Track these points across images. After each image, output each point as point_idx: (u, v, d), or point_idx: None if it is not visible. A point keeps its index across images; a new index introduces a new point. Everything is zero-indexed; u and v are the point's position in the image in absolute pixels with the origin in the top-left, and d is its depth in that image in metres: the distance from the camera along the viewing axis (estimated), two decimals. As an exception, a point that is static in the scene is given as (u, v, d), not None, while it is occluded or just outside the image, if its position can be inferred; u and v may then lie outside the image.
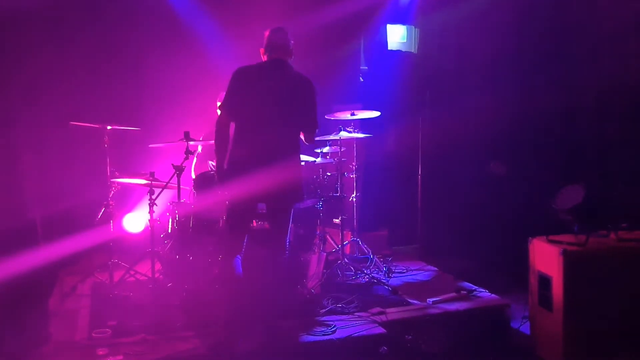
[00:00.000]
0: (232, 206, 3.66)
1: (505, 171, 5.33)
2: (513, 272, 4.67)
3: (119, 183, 4.81)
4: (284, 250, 3.73)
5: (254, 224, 4.40)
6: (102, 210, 4.87)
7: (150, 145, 5.08)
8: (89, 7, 5.62)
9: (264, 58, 3.75)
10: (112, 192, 4.82)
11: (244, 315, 3.85)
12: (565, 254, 3.65)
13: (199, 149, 5.35)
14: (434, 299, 4.33)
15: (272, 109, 3.61)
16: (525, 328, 4.18)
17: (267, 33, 3.76)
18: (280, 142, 3.63)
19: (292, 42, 3.77)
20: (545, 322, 3.86)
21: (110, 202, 4.80)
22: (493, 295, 4.46)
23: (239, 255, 3.63)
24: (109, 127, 4.77)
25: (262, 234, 4.19)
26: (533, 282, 4.00)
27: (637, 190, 4.06)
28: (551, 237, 3.91)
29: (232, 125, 3.71)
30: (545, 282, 3.84)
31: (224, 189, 3.67)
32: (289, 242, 4.44)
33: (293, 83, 3.69)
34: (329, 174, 5.27)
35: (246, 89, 3.62)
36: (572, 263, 3.65)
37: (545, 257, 3.85)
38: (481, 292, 4.52)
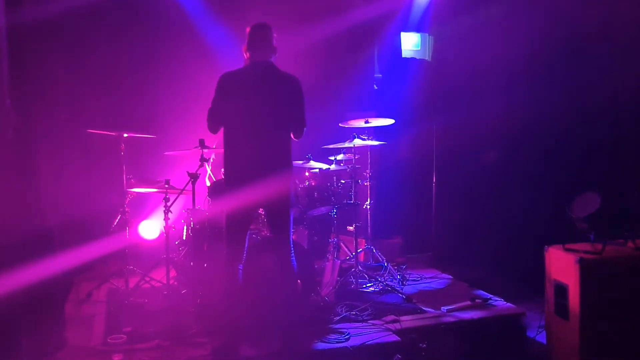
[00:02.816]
0: (230, 217, 3.64)
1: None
2: (529, 280, 4.63)
3: (135, 190, 4.85)
4: (289, 254, 3.70)
5: (265, 232, 4.41)
6: (118, 217, 4.92)
7: (166, 153, 5.12)
8: (104, 17, 5.70)
9: (246, 56, 3.71)
10: (128, 199, 4.87)
11: (256, 322, 3.87)
12: (582, 262, 3.61)
13: (213, 156, 5.38)
14: (449, 307, 4.30)
15: (261, 115, 3.59)
16: (542, 337, 4.13)
17: (248, 30, 3.71)
18: (273, 148, 3.62)
19: (275, 35, 3.72)
20: (562, 331, 3.82)
21: (126, 209, 4.84)
22: (508, 303, 4.42)
23: (240, 265, 3.62)
24: (125, 135, 4.82)
25: (266, 242, 4.19)
26: (549, 290, 3.96)
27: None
28: (567, 246, 3.87)
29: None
30: (561, 290, 3.80)
31: (223, 201, 3.67)
32: (302, 248, 4.46)
33: (280, 85, 3.66)
34: (343, 181, 5.27)
35: (232, 97, 3.60)
36: (588, 271, 3.61)
37: (562, 265, 3.82)
38: (496, 300, 4.48)
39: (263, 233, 4.40)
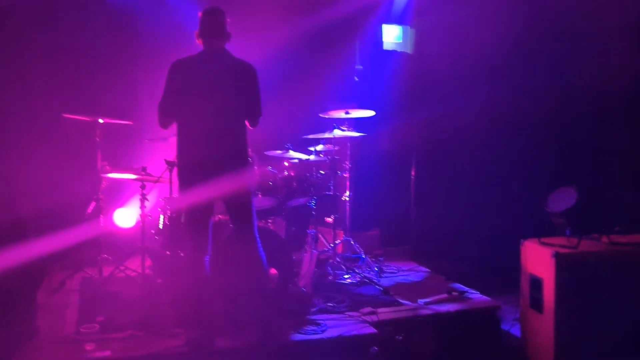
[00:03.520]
0: (189, 210, 3.57)
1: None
2: (505, 274, 4.67)
3: (110, 177, 4.76)
4: (255, 247, 3.61)
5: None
6: (93, 205, 4.83)
7: (147, 139, 5.04)
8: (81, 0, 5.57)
9: (199, 42, 3.61)
10: (103, 186, 4.78)
11: (232, 313, 3.84)
12: (557, 256, 3.65)
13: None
14: (425, 300, 4.32)
15: (214, 104, 3.49)
16: (516, 330, 4.18)
17: (200, 15, 3.60)
18: (227, 138, 3.53)
19: (229, 21, 3.60)
20: (536, 324, 3.86)
21: (101, 197, 4.76)
22: (484, 296, 4.46)
23: (206, 256, 3.55)
24: (100, 121, 4.73)
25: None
26: (524, 284, 4.00)
27: (630, 194, 4.08)
28: (543, 240, 3.91)
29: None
30: (536, 284, 3.84)
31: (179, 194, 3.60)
32: (280, 239, 4.43)
33: (233, 72, 3.56)
34: (322, 172, 5.25)
35: (184, 86, 3.50)
36: (563, 265, 3.65)
37: (537, 259, 3.86)
38: (472, 293, 4.51)
39: None
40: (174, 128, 3.68)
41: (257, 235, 3.65)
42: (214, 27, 3.57)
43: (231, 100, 3.53)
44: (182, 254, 4.34)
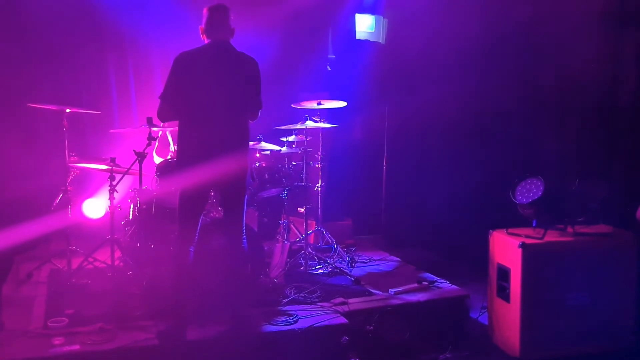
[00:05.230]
0: (183, 197, 3.58)
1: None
2: (474, 263, 4.75)
3: (78, 168, 4.68)
4: (240, 238, 3.67)
5: (214, 214, 4.35)
6: (60, 196, 4.74)
7: (111, 131, 4.96)
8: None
9: (203, 37, 3.66)
10: (71, 176, 4.69)
11: (204, 304, 3.83)
12: (524, 246, 3.73)
13: (165, 134, 5.25)
14: (396, 290, 4.37)
15: (218, 96, 3.54)
16: (484, 318, 4.27)
17: (205, 11, 3.66)
18: (229, 129, 3.57)
19: (233, 17, 3.67)
20: (503, 313, 3.94)
21: (69, 188, 4.67)
22: (453, 286, 4.53)
23: (191, 247, 3.57)
24: (67, 110, 4.63)
25: (216, 223, 4.14)
26: (492, 273, 4.08)
27: (593, 185, 4.17)
28: (510, 230, 3.99)
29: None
30: (503, 273, 3.92)
31: (175, 180, 3.61)
32: (252, 230, 4.43)
33: (238, 65, 3.62)
34: (294, 163, 5.25)
35: (190, 76, 3.53)
36: (529, 255, 3.74)
37: (505, 249, 3.93)
38: (442, 283, 4.58)
39: (212, 215, 4.34)
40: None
41: (244, 228, 3.69)
42: (219, 22, 3.62)
43: (236, 92, 3.58)
44: (152, 246, 4.31)
